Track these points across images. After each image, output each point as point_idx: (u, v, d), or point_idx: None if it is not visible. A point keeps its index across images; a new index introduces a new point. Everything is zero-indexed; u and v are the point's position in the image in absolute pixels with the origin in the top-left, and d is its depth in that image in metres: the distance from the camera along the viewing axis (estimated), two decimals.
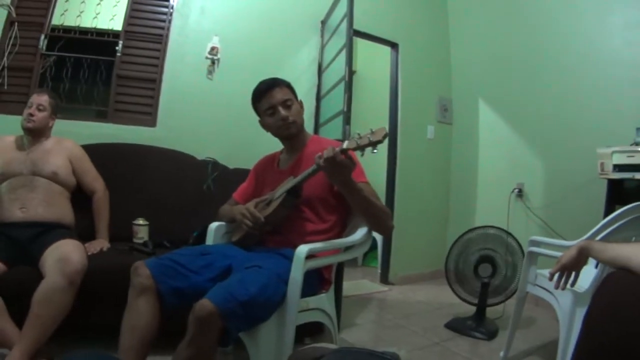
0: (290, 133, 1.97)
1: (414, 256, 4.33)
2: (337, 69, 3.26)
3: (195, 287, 1.58)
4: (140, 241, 2.54)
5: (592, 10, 3.37)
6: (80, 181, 2.52)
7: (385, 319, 3.15)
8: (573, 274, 1.48)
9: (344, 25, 3.12)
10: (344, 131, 2.86)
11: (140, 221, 2.61)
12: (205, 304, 1.32)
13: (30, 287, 1.81)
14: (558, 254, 1.64)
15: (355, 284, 4.03)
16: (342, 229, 1.98)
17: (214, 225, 2.10)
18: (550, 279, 1.52)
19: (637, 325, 1.03)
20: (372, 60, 5.51)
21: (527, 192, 3.78)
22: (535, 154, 3.78)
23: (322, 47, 3.84)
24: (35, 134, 2.38)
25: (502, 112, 4.14)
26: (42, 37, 3.06)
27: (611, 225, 1.94)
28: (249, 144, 2.98)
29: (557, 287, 1.51)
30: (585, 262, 1.45)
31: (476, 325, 2.83)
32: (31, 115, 2.34)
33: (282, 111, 1.91)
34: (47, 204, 2.26)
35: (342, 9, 3.23)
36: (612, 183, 2.71)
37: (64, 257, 1.90)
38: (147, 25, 3.33)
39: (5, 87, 2.92)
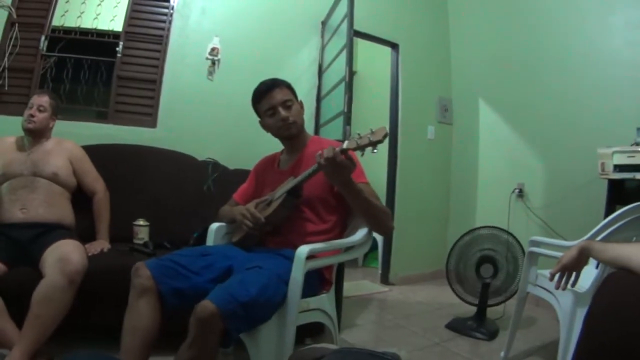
0: (290, 134, 1.97)
1: (414, 257, 4.33)
2: (338, 70, 3.26)
3: (195, 288, 1.58)
4: (141, 242, 2.54)
5: (592, 10, 3.36)
6: (81, 182, 2.52)
7: (386, 320, 3.15)
8: (574, 274, 1.48)
9: (345, 25, 3.12)
10: (345, 132, 2.86)
11: (141, 222, 2.61)
12: (206, 305, 1.32)
13: (30, 287, 1.81)
14: (558, 254, 1.64)
15: (355, 285, 4.03)
16: (342, 230, 1.98)
17: (214, 226, 2.09)
18: (551, 279, 1.52)
19: (638, 326, 1.03)
20: (373, 61, 5.51)
21: (528, 192, 3.78)
22: (535, 154, 3.78)
23: (323, 47, 3.84)
24: (35, 134, 2.38)
25: (502, 112, 4.14)
26: (43, 38, 3.06)
27: (612, 226, 1.94)
28: (249, 145, 2.98)
29: (557, 288, 1.50)
30: (585, 263, 1.45)
31: (477, 326, 2.82)
32: (32, 116, 2.34)
33: (283, 112, 1.91)
34: (48, 205, 2.26)
35: (342, 9, 3.23)
36: (612, 183, 2.71)
37: (64, 257, 1.90)
38: (148, 26, 3.33)
39: (6, 88, 2.92)
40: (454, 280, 3.03)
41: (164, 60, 3.32)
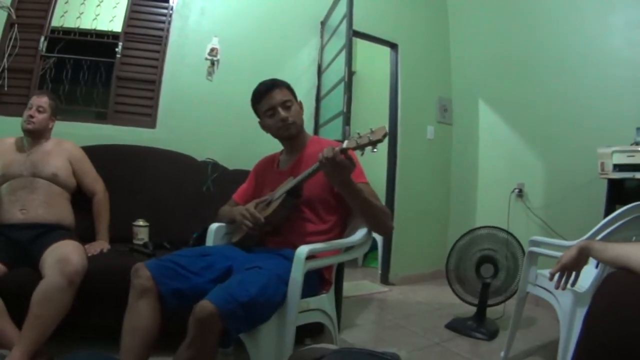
0: (290, 134, 1.97)
1: (414, 257, 4.33)
2: (337, 70, 3.26)
3: (195, 288, 1.58)
4: (140, 242, 2.54)
5: (592, 9, 3.36)
6: (80, 182, 2.52)
7: (386, 320, 3.15)
8: (573, 274, 1.48)
9: (344, 25, 3.12)
10: (344, 132, 2.85)
11: (140, 222, 2.61)
12: (205, 305, 1.32)
13: (30, 288, 1.81)
14: (558, 254, 1.64)
15: (355, 285, 4.03)
16: (342, 230, 1.98)
17: (214, 226, 2.09)
18: (551, 279, 1.52)
19: (638, 325, 1.03)
20: (372, 61, 5.51)
21: (527, 192, 3.78)
22: (535, 154, 3.78)
23: (322, 47, 3.84)
24: (35, 135, 2.38)
25: (502, 112, 4.14)
26: (42, 38, 3.06)
27: (611, 225, 1.94)
28: (248, 145, 2.97)
29: (557, 287, 1.50)
30: (585, 262, 1.45)
31: (477, 326, 2.82)
32: (31, 116, 2.34)
33: (282, 112, 1.92)
34: (48, 206, 2.26)
35: (341, 9, 3.23)
36: (612, 183, 2.71)
37: (63, 257, 1.90)
38: (147, 26, 3.33)
39: (5, 89, 2.92)
40: (454, 280, 3.03)
41: (163, 61, 3.32)
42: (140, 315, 1.54)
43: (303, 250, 1.62)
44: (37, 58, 3.05)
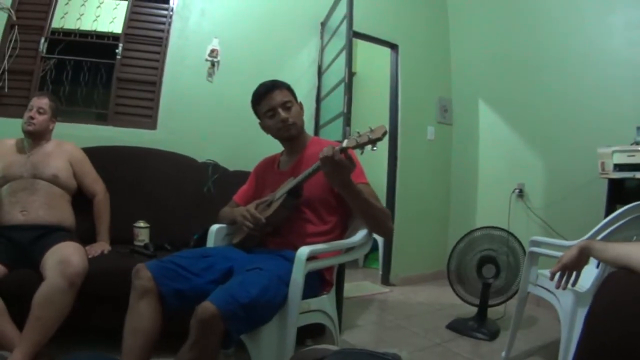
0: (290, 135, 1.97)
1: (415, 257, 4.33)
2: (337, 71, 3.26)
3: (196, 289, 1.58)
4: (141, 244, 2.55)
5: (592, 9, 3.36)
6: (81, 184, 2.52)
7: (387, 320, 3.15)
8: (574, 273, 1.48)
9: (344, 26, 3.12)
10: (344, 133, 2.85)
11: (141, 224, 2.61)
12: (207, 307, 1.32)
13: (31, 289, 1.81)
14: (559, 254, 1.64)
15: (356, 286, 4.03)
16: (343, 231, 1.98)
17: (214, 227, 2.09)
18: (551, 278, 1.52)
19: (639, 325, 1.03)
20: (372, 62, 5.50)
21: (528, 192, 3.78)
22: (535, 154, 3.78)
23: (322, 48, 3.84)
24: (35, 137, 2.39)
25: (502, 112, 4.14)
26: (42, 40, 3.07)
27: (612, 225, 1.94)
28: (249, 146, 2.97)
29: (558, 287, 1.50)
30: (586, 262, 1.45)
31: (477, 326, 2.82)
32: (31, 118, 2.34)
33: (282, 113, 1.92)
34: (48, 207, 2.26)
35: (341, 10, 3.23)
36: (612, 182, 2.71)
37: (64, 259, 1.90)
38: (147, 27, 3.34)
39: (6, 90, 2.92)
40: (455, 281, 3.02)
41: (163, 62, 3.32)
42: (141, 316, 1.54)
43: (304, 251, 1.62)
44: (37, 59, 3.05)
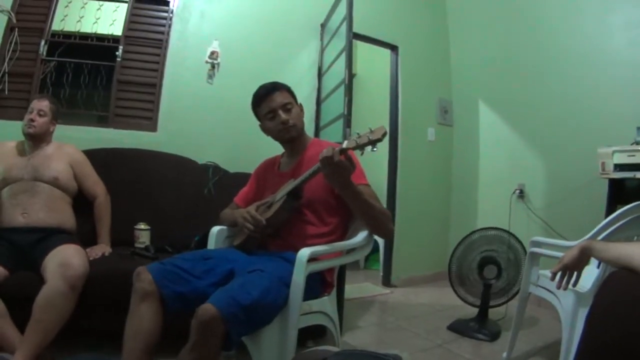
0: (290, 136, 1.97)
1: (416, 258, 4.33)
2: (337, 72, 3.26)
3: (197, 291, 1.57)
4: (142, 246, 2.55)
5: (592, 10, 3.37)
6: (82, 186, 2.52)
7: (388, 322, 3.15)
8: (575, 274, 1.48)
9: (344, 28, 3.12)
10: (345, 134, 2.85)
11: (142, 226, 2.61)
12: (207, 309, 1.32)
13: (31, 291, 1.82)
14: (560, 254, 1.64)
15: (357, 287, 4.02)
16: (343, 232, 1.97)
17: (215, 229, 2.09)
18: (552, 278, 1.52)
19: None
20: (372, 63, 5.51)
21: (528, 193, 3.78)
22: (536, 155, 3.78)
23: (322, 50, 3.84)
24: (36, 139, 2.39)
25: (502, 113, 4.14)
26: (43, 42, 3.07)
27: (613, 225, 1.94)
28: (249, 148, 2.96)
29: (559, 287, 1.50)
30: (586, 262, 1.45)
31: (479, 327, 2.82)
32: (32, 120, 2.34)
33: (282, 115, 1.92)
34: (49, 209, 2.26)
35: (341, 11, 3.23)
36: (613, 183, 2.71)
37: (65, 262, 1.90)
38: (147, 30, 3.34)
39: (6, 93, 2.92)
40: (457, 282, 3.02)
41: (163, 64, 3.32)
42: (142, 318, 1.54)
43: (305, 252, 1.62)
44: (37, 62, 3.05)
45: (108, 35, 3.25)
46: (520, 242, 2.85)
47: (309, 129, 3.46)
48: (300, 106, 2.02)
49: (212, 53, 3.44)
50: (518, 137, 3.95)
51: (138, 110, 3.27)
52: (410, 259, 4.27)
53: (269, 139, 2.05)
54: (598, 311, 1.15)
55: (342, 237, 1.95)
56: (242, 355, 1.77)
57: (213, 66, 3.44)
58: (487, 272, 2.89)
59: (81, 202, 2.50)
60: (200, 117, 3.39)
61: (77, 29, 3.18)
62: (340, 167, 1.55)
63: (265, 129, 2.02)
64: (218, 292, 1.42)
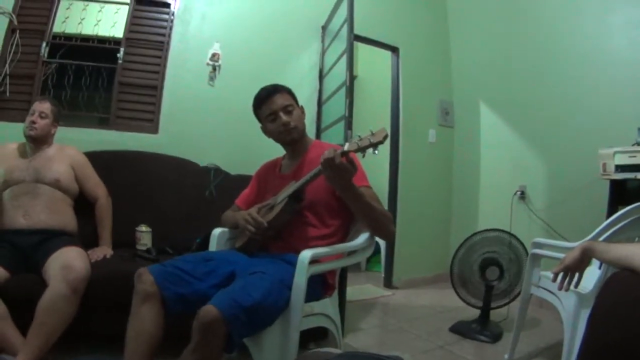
0: (292, 138, 1.97)
1: (417, 260, 4.32)
2: (338, 74, 3.26)
3: (198, 293, 1.58)
4: (143, 248, 2.55)
5: (592, 10, 3.37)
6: (83, 188, 2.52)
7: (389, 323, 3.15)
8: (576, 275, 1.48)
9: (345, 30, 3.12)
10: (346, 136, 2.85)
11: (143, 228, 2.61)
12: (209, 310, 1.32)
13: (33, 293, 1.82)
14: (561, 255, 1.64)
15: (358, 289, 4.02)
16: (345, 234, 1.97)
17: (216, 231, 2.09)
18: (554, 279, 1.52)
19: None
20: (373, 65, 5.51)
21: (530, 194, 3.78)
22: (537, 156, 3.78)
23: (323, 52, 3.85)
24: (37, 141, 2.39)
25: (503, 114, 4.14)
26: (44, 44, 3.07)
27: (614, 226, 1.93)
28: (250, 150, 2.97)
29: (560, 289, 1.50)
30: (588, 263, 1.45)
31: (480, 328, 2.82)
32: (33, 122, 2.34)
33: (283, 117, 1.92)
34: (50, 211, 2.27)
35: (342, 14, 3.23)
36: (614, 184, 2.71)
37: (67, 264, 1.91)
38: (148, 32, 3.34)
39: (7, 95, 2.92)
40: (458, 284, 3.02)
41: (164, 66, 3.32)
42: (143, 320, 1.54)
43: (306, 254, 1.62)
44: (38, 64, 3.06)
45: (109, 37, 3.25)
46: (521, 243, 2.85)
47: (310, 130, 3.45)
48: (302, 108, 2.02)
49: (213, 55, 3.44)
50: (519, 138, 3.95)
51: (139, 112, 3.27)
52: (412, 260, 4.27)
53: (270, 141, 2.05)
54: (600, 312, 1.15)
55: (344, 239, 1.94)
56: (244, 357, 1.76)
57: (214, 68, 3.45)
58: (489, 274, 2.89)
59: (82, 204, 2.51)
60: (202, 119, 3.39)
61: (78, 31, 3.18)
62: (341, 169, 1.54)
63: (267, 131, 2.02)
64: (219, 293, 1.42)
